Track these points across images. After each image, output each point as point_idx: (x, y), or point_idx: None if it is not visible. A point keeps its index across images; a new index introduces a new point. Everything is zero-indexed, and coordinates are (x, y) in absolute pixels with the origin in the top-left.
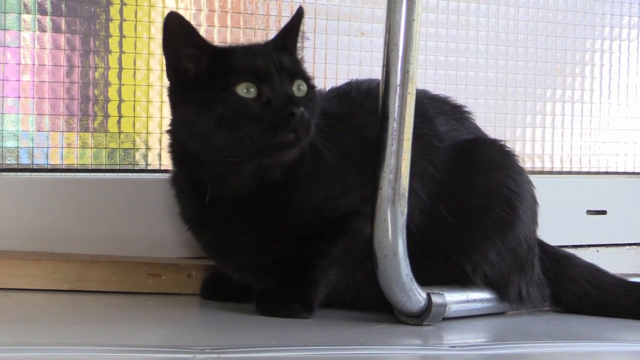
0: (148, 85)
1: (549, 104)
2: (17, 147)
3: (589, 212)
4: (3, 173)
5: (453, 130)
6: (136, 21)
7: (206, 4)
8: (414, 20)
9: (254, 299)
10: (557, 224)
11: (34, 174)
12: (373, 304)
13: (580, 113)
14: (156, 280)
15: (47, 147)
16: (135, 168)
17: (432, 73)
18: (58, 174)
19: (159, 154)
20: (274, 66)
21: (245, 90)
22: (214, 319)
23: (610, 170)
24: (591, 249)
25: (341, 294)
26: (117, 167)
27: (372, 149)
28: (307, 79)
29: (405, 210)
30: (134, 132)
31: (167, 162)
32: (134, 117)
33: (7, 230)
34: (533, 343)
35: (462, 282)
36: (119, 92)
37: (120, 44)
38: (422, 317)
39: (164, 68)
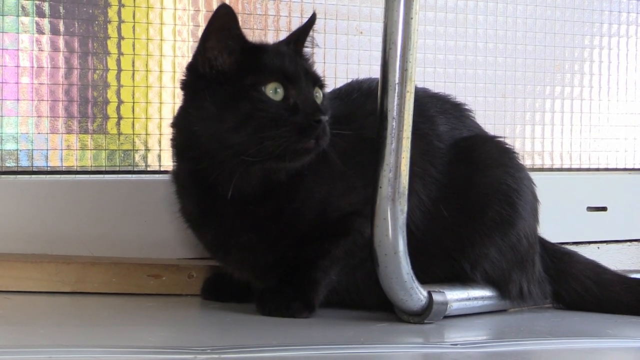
0: (147, 87)
1: (548, 101)
2: (17, 150)
3: (590, 208)
4: (2, 175)
5: (453, 129)
6: (134, 22)
7: (204, 5)
8: (412, 18)
9: (255, 298)
10: (557, 220)
11: (33, 176)
12: (373, 305)
13: (580, 110)
14: (157, 281)
15: (47, 149)
16: (135, 169)
17: (431, 71)
18: (57, 176)
19: (158, 155)
20: (302, 70)
21: (273, 91)
22: (214, 320)
23: (610, 166)
24: (592, 245)
25: (341, 295)
26: (117, 169)
27: (374, 149)
28: (323, 86)
29: (405, 208)
30: (134, 134)
31: (166, 163)
32: (133, 118)
33: (7, 233)
34: (534, 340)
35: (463, 280)
36: (118, 93)
37: (119, 46)
38: (423, 315)
39: (163, 69)
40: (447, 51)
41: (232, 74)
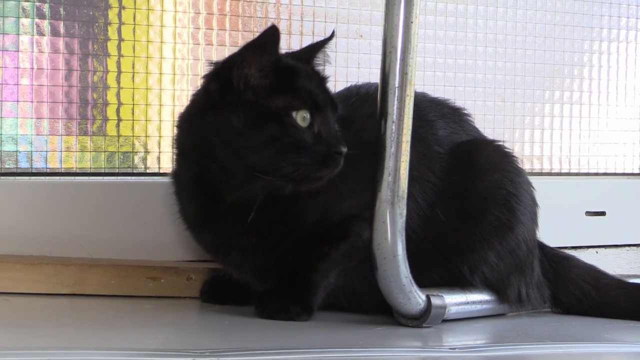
0: (147, 89)
1: (547, 106)
2: (16, 151)
3: (588, 213)
4: (2, 177)
5: (452, 133)
6: (135, 24)
7: (204, 7)
8: (412, 22)
9: (254, 301)
10: (556, 225)
11: (32, 177)
12: (370, 308)
13: (579, 114)
14: (155, 284)
15: (46, 151)
16: (134, 171)
17: (431, 75)
18: (57, 178)
19: (158, 157)
20: (328, 99)
21: (302, 118)
22: (213, 322)
23: (609, 171)
24: (590, 250)
25: (338, 298)
26: (116, 171)
27: (372, 152)
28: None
29: (405, 212)
30: (133, 136)
31: (166, 166)
32: (133, 120)
33: (7, 235)
34: (533, 344)
35: (461, 284)
36: (118, 95)
37: (119, 48)
38: (422, 319)
39: (163, 71)
40: (447, 55)
41: (264, 93)
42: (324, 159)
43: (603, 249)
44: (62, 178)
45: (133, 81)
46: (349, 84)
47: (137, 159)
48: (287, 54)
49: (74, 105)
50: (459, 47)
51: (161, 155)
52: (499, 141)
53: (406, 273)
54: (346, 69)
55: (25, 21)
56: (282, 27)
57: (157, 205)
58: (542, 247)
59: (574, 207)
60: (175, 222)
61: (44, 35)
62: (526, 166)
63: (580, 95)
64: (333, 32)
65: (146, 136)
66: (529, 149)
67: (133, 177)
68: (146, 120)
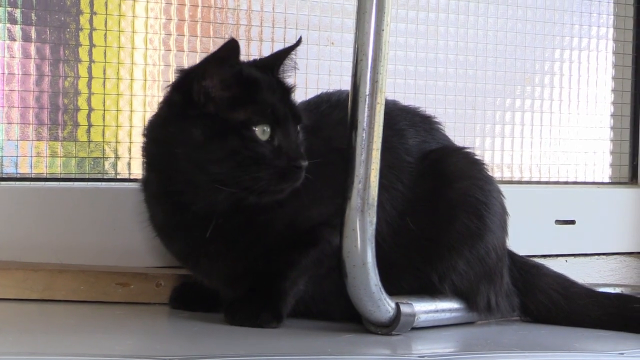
0: (118, 94)
1: (518, 114)
2: None
3: (558, 221)
4: None
5: (423, 142)
6: (106, 30)
7: (176, 13)
8: (383, 30)
9: (223, 308)
10: (526, 233)
11: (3, 182)
12: (340, 315)
13: (549, 123)
14: (125, 290)
15: (16, 156)
16: (105, 177)
17: (402, 83)
18: (27, 183)
19: (128, 163)
20: (290, 112)
21: (261, 131)
22: (183, 329)
23: (579, 180)
24: (560, 258)
25: (308, 305)
26: (87, 176)
27: (342, 159)
28: (302, 123)
29: (375, 220)
30: (104, 141)
31: (136, 171)
32: (104, 126)
33: None
34: (502, 353)
35: (431, 292)
36: (89, 101)
37: (90, 53)
38: (391, 326)
39: (134, 77)
40: (418, 63)
41: (225, 106)
42: (283, 173)
43: (572, 257)
44: (33, 183)
45: (104, 87)
46: (320, 91)
47: (107, 165)
48: (253, 62)
49: (45, 111)
50: (429, 55)
51: (132, 161)
52: (468, 148)
53: (375, 281)
54: (317, 76)
55: None
56: (254, 34)
57: (127, 211)
58: (512, 255)
59: (543, 215)
60: (145, 228)
61: (15, 40)
62: (496, 174)
63: (551, 104)
64: (299, 39)
65: (117, 142)
66: (499, 157)
67: (103, 183)
68: (117, 126)
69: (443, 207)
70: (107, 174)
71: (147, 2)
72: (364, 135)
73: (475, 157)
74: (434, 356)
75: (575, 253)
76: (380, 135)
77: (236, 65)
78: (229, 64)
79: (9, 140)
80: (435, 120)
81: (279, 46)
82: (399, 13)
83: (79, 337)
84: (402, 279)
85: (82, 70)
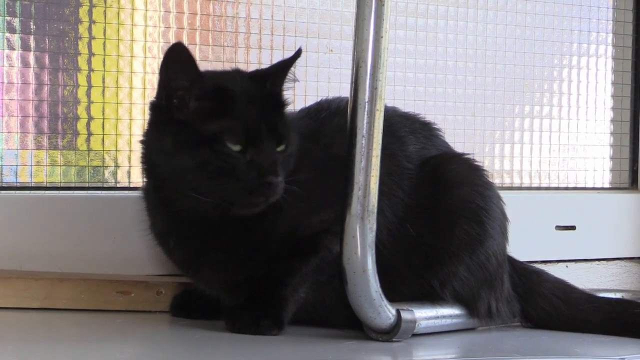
0: (117, 103)
1: (517, 120)
2: None
3: (558, 227)
4: None
5: (423, 148)
6: (105, 39)
7: (175, 22)
8: (382, 37)
9: (224, 315)
10: (526, 239)
11: (2, 192)
12: (340, 322)
13: (549, 129)
14: (126, 298)
15: (16, 165)
16: (105, 186)
17: (401, 89)
18: (27, 192)
19: (128, 172)
20: (266, 127)
21: (233, 143)
22: (183, 337)
23: (579, 185)
24: (560, 264)
25: (309, 312)
26: (87, 185)
27: (342, 167)
28: (289, 138)
29: (375, 226)
30: (103, 150)
31: (136, 180)
32: (103, 134)
33: None
34: (503, 359)
35: (431, 298)
36: (88, 109)
37: (89, 62)
38: (392, 333)
39: (133, 85)
40: (417, 70)
41: (198, 117)
42: (252, 188)
43: (573, 263)
44: (33, 192)
45: (103, 95)
46: (319, 98)
47: (107, 173)
48: (252, 73)
49: (44, 120)
50: (429, 62)
51: (131, 169)
52: (468, 154)
53: (376, 287)
54: (316, 83)
55: None
56: (253, 41)
57: (128, 219)
58: (512, 261)
59: (544, 221)
60: (145, 236)
61: (14, 49)
62: (496, 180)
63: (550, 110)
64: (299, 50)
65: (116, 150)
66: (499, 164)
67: (103, 192)
68: (116, 135)
69: (443, 213)
70: (107, 182)
71: (146, 10)
72: (363, 142)
73: (476, 163)
74: None
75: (576, 259)
76: (380, 142)
77: (192, 68)
78: (181, 67)
79: (8, 149)
80: (435, 126)
81: (278, 54)
82: (398, 20)
83: (80, 346)
84: (403, 285)
85: (81, 78)
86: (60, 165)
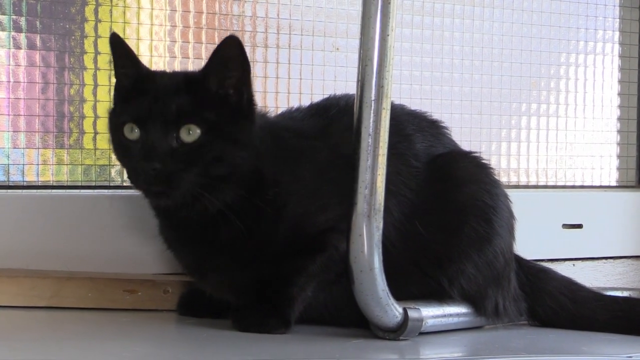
0: None
1: (524, 118)
2: None
3: (565, 226)
4: None
5: (430, 146)
6: None
7: (181, 20)
8: (388, 35)
9: (231, 315)
10: (533, 238)
11: (9, 190)
12: (351, 321)
13: (556, 127)
14: (132, 297)
15: (23, 164)
16: (111, 184)
17: (407, 88)
18: (34, 191)
19: None
20: (157, 109)
21: (130, 131)
22: (190, 335)
23: (586, 184)
24: (567, 262)
25: (319, 311)
26: (93, 184)
27: (349, 165)
28: (206, 122)
29: (381, 225)
30: (110, 149)
31: None
32: None
33: None
34: (509, 357)
35: (439, 296)
36: (95, 108)
37: (95, 61)
38: (399, 331)
39: None
40: (423, 68)
41: (115, 110)
42: (134, 173)
43: (580, 261)
44: (39, 191)
45: (109, 94)
46: (327, 96)
47: (113, 172)
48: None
49: (51, 118)
50: (435, 60)
51: None
52: (476, 152)
53: (383, 286)
54: (322, 82)
55: (1, 34)
56: (259, 40)
57: (135, 218)
58: (519, 260)
59: (550, 219)
60: (151, 235)
61: (20, 48)
62: (503, 179)
63: (557, 108)
64: (229, 37)
65: None
66: (506, 162)
67: (110, 190)
68: None
69: (451, 211)
70: (113, 181)
71: (152, 9)
72: (369, 140)
73: (483, 161)
74: None
75: (583, 257)
76: (386, 140)
77: (128, 55)
78: (120, 55)
79: (15, 148)
80: (442, 124)
81: (284, 52)
82: (404, 18)
83: (86, 344)
84: (411, 283)
85: (88, 77)
86: (67, 164)
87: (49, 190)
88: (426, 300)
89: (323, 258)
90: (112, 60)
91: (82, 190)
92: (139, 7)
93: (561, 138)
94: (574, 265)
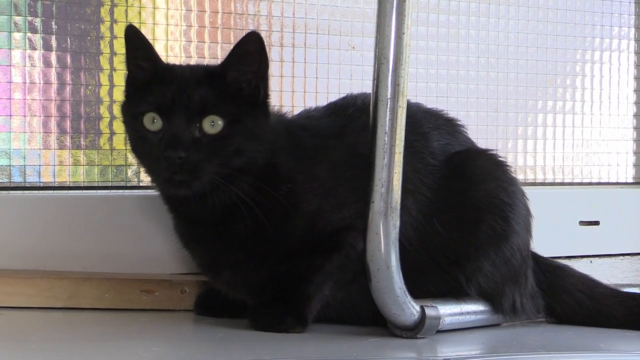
0: None
1: (540, 116)
2: (9, 166)
3: (582, 222)
4: None
5: (447, 144)
6: None
7: (196, 20)
8: (403, 33)
9: (248, 314)
10: (550, 235)
11: (26, 192)
12: (368, 319)
13: (572, 124)
14: (150, 297)
15: (39, 165)
16: (128, 185)
17: (423, 86)
18: (50, 192)
19: None
20: (180, 100)
21: (150, 121)
22: (207, 335)
23: (602, 180)
24: (584, 259)
25: (337, 310)
26: (110, 184)
27: (366, 165)
28: (227, 114)
29: (398, 223)
30: (126, 149)
31: None
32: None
33: (0, 249)
34: (527, 354)
35: (456, 294)
36: (110, 109)
37: (111, 61)
38: (416, 330)
39: None
40: (439, 66)
41: (131, 101)
42: (156, 162)
43: (597, 258)
44: (56, 192)
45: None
46: (341, 96)
47: (130, 173)
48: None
49: (67, 119)
50: (451, 58)
51: None
52: (492, 150)
53: (400, 284)
54: (339, 81)
55: (17, 35)
56: (274, 39)
57: (151, 218)
58: (536, 257)
59: (567, 217)
60: (168, 235)
61: (36, 49)
62: (519, 176)
63: (573, 105)
64: (249, 33)
65: None
66: (522, 159)
67: (126, 191)
68: None
69: (468, 209)
70: (129, 181)
71: (168, 9)
72: (386, 138)
73: (499, 158)
74: (459, 358)
75: (600, 254)
76: (403, 138)
77: (146, 47)
78: (137, 47)
79: (31, 149)
80: (459, 122)
81: (299, 51)
82: (420, 16)
83: (104, 345)
84: (429, 281)
85: (104, 78)
86: (83, 165)
87: (66, 191)
88: (443, 298)
89: (340, 257)
90: (126, 52)
91: (99, 191)
92: (154, 7)
93: (577, 135)
94: (591, 262)
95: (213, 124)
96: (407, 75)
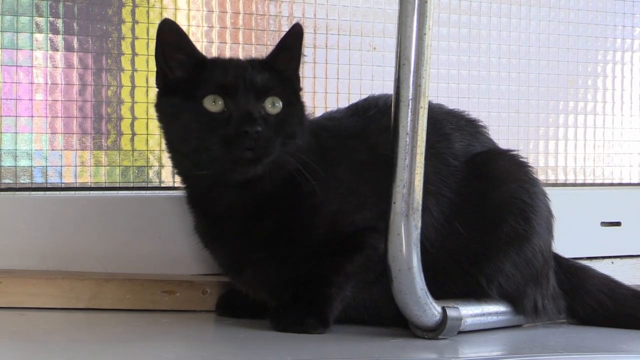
0: None
1: (561, 116)
2: (31, 166)
3: (604, 223)
4: (17, 192)
5: (468, 145)
6: (148, 39)
7: (218, 21)
8: (425, 34)
9: (269, 314)
10: (571, 236)
11: (47, 192)
12: (390, 320)
13: (594, 125)
14: (171, 298)
15: (61, 166)
16: (149, 185)
17: (445, 87)
18: (72, 193)
19: (172, 171)
20: (244, 82)
21: (212, 103)
22: (229, 335)
23: (624, 181)
24: (606, 260)
25: (359, 311)
26: (131, 185)
27: (387, 165)
28: (284, 96)
29: (419, 224)
30: (147, 150)
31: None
32: (147, 134)
33: (22, 250)
34: (549, 356)
35: (477, 295)
36: (132, 109)
37: (133, 62)
38: (437, 330)
39: None
40: (461, 67)
41: (181, 86)
42: (229, 139)
43: (619, 259)
44: (77, 193)
45: (147, 95)
46: (362, 97)
47: (151, 173)
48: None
49: (88, 120)
50: (472, 59)
51: None
52: (514, 151)
53: (422, 285)
54: (360, 82)
55: (38, 36)
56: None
57: (172, 219)
58: (558, 258)
59: (589, 217)
60: (190, 235)
61: (57, 50)
62: (541, 177)
63: (595, 106)
64: (295, 25)
65: (160, 150)
66: (544, 160)
67: (148, 192)
68: (160, 134)
69: (490, 209)
70: (151, 182)
71: (189, 10)
72: (407, 139)
73: (521, 159)
74: (481, 359)
75: (622, 255)
76: (424, 139)
77: (182, 40)
78: (172, 41)
79: (52, 150)
80: (480, 123)
81: (321, 52)
82: (441, 17)
83: (125, 346)
84: (450, 282)
85: (125, 79)
86: (105, 166)
87: (87, 192)
88: (465, 299)
89: (361, 258)
90: (161, 46)
91: (120, 192)
92: (175, 9)
93: (599, 136)
94: (612, 263)
95: (274, 105)
96: (429, 75)
